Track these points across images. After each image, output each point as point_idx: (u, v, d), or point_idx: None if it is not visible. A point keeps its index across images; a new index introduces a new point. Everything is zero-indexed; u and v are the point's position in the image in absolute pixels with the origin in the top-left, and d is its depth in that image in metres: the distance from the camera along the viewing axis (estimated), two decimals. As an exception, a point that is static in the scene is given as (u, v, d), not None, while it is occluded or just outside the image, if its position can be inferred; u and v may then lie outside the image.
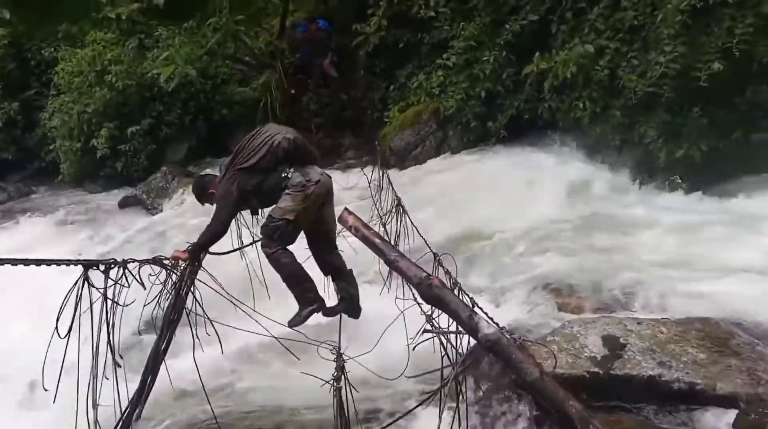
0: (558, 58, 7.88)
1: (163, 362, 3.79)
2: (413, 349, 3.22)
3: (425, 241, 4.04)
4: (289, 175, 3.81)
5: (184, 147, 11.67)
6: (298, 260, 4.03)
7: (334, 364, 4.27)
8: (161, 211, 10.13)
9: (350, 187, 7.37)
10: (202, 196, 4.03)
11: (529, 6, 8.76)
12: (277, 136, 3.79)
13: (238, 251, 4.62)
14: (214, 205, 3.87)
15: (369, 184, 6.38)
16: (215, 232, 3.78)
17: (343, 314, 4.35)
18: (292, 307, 4.11)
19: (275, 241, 3.88)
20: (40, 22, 13.36)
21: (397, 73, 10.54)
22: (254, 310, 3.86)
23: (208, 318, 3.56)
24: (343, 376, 3.84)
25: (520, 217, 6.79)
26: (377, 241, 3.01)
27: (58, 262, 2.96)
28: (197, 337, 3.52)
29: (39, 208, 11.46)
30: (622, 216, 6.93)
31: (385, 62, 10.65)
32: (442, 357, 2.93)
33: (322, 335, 4.30)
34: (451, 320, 2.81)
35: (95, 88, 11.34)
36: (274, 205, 3.89)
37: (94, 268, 2.95)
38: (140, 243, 8.51)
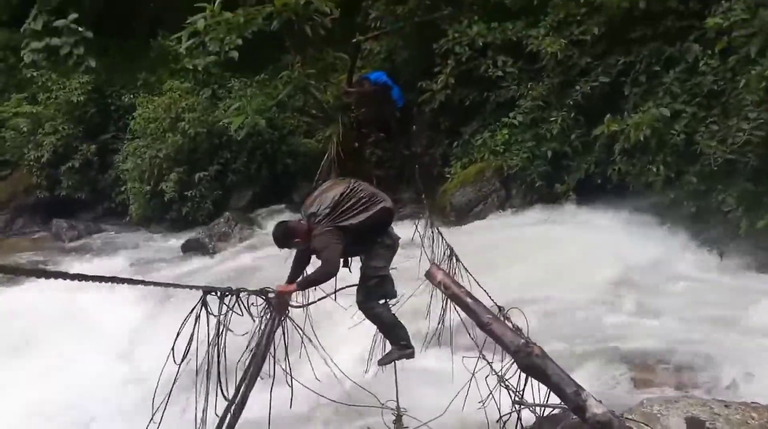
0: (630, 120, 7.72)
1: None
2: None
3: (486, 293, 3.84)
4: (382, 240, 4.13)
5: (248, 194, 11.92)
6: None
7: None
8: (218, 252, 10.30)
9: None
10: (285, 242, 4.08)
11: (600, 68, 8.68)
12: (378, 207, 4.00)
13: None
14: (321, 255, 3.92)
15: (419, 235, 6.20)
16: (329, 272, 3.91)
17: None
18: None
19: (372, 296, 4.15)
20: (122, 71, 14.27)
21: (461, 130, 10.54)
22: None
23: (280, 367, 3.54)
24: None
25: (590, 283, 6.52)
26: (469, 301, 2.85)
27: (178, 286, 3.24)
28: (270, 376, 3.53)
29: (107, 247, 11.82)
30: (697, 285, 6.59)
31: (450, 119, 10.67)
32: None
33: (380, 392, 4.20)
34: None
35: (168, 134, 11.77)
36: (366, 265, 4.13)
37: (212, 294, 3.11)
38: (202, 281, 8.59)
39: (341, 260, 4.19)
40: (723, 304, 6.19)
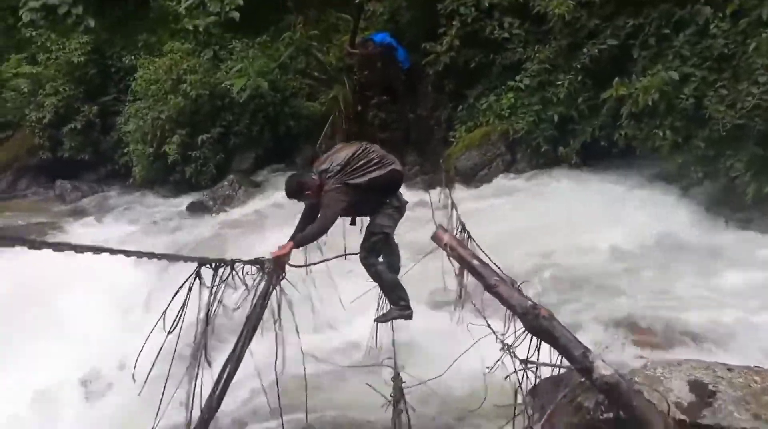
0: (639, 84, 7.59)
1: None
2: (489, 372, 3.10)
3: (499, 268, 3.84)
4: (390, 201, 4.24)
5: (251, 156, 11.89)
6: None
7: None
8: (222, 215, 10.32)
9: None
10: (297, 194, 4.17)
11: (609, 31, 8.50)
12: (388, 168, 4.10)
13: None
14: (323, 209, 4.00)
15: (430, 201, 6.16)
16: (321, 230, 4.02)
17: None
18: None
19: (375, 253, 4.28)
20: (122, 32, 14.02)
21: (466, 93, 10.39)
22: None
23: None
24: (402, 399, 3.74)
25: (593, 249, 6.54)
26: (475, 262, 2.85)
27: (174, 258, 3.33)
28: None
29: (110, 208, 11.84)
30: (702, 251, 6.60)
31: (455, 82, 10.50)
32: (526, 390, 2.76)
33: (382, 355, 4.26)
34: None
35: (170, 96, 11.68)
36: (372, 222, 4.25)
37: (206, 266, 3.12)
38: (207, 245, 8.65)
39: (350, 219, 4.34)
40: (725, 269, 6.19)
